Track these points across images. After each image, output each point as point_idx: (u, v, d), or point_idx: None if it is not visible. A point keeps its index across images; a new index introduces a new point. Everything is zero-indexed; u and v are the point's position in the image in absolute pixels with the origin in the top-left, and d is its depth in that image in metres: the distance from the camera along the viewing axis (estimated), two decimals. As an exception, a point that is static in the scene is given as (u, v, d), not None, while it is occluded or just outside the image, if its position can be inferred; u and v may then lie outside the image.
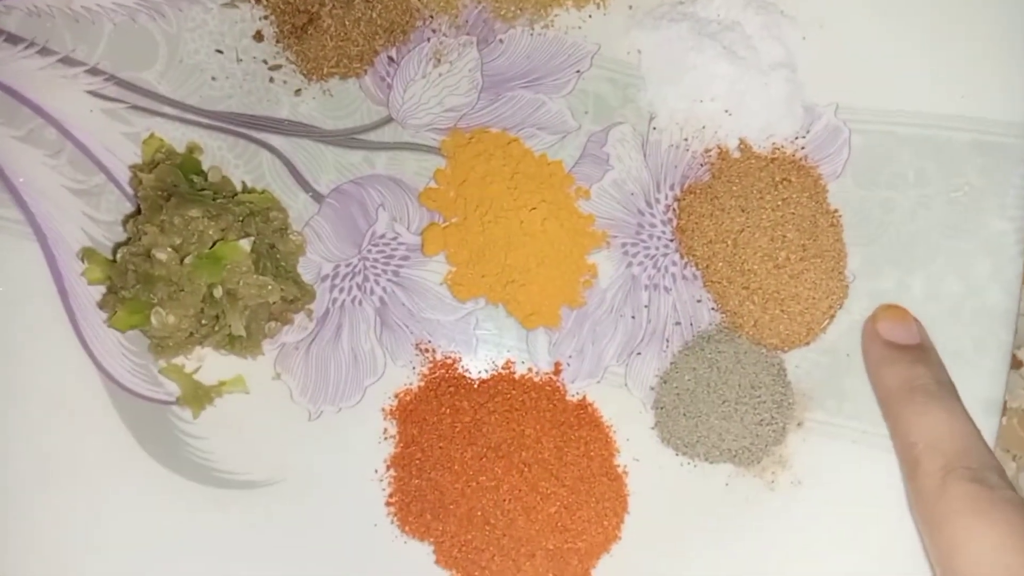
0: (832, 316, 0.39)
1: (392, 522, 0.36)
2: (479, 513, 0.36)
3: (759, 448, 0.38)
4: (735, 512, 0.37)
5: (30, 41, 0.35)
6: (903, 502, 0.37)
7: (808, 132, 0.41)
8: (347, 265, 0.38)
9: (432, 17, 0.40)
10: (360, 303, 0.38)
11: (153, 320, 0.33)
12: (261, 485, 0.36)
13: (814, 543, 0.37)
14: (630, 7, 0.41)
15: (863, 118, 0.41)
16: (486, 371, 0.38)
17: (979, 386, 0.37)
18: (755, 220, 0.39)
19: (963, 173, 0.40)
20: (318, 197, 0.38)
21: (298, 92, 0.39)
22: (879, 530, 0.37)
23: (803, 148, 0.41)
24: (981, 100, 0.40)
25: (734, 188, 0.40)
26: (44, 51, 0.36)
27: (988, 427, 0.37)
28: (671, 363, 0.39)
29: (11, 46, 0.35)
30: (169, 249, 0.33)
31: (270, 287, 0.34)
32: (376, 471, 0.37)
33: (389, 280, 0.38)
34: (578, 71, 0.41)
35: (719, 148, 0.41)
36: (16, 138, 0.35)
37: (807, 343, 0.39)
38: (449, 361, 0.38)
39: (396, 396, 0.37)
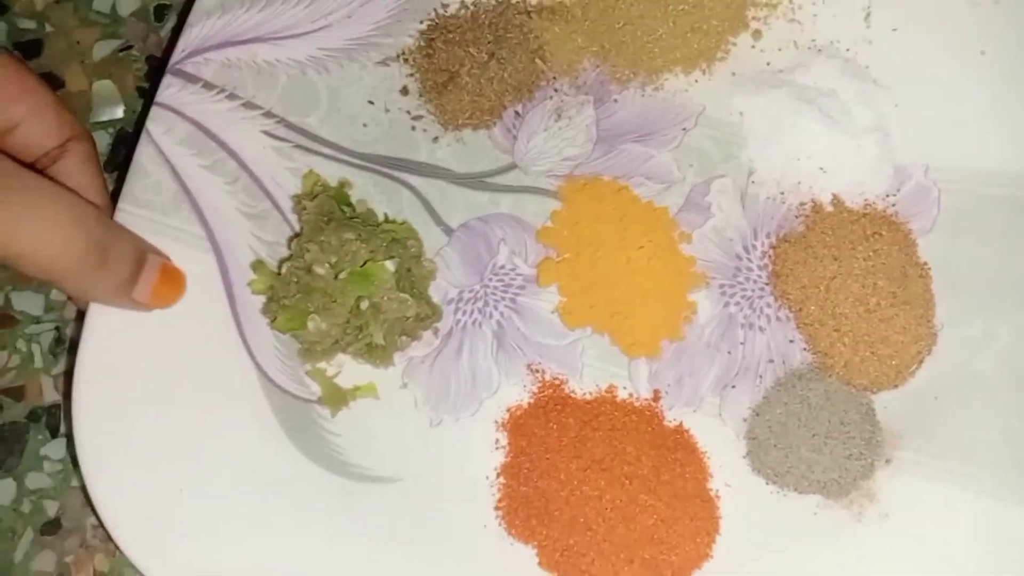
0: (921, 361, 0.37)
1: (500, 524, 0.35)
2: (581, 520, 0.34)
3: (847, 481, 0.35)
4: (822, 541, 0.35)
5: (220, 87, 0.36)
6: (987, 541, 0.34)
7: (899, 191, 0.39)
8: (470, 291, 0.38)
9: (555, 78, 0.40)
10: (480, 325, 0.37)
11: (310, 325, 0.33)
12: (385, 481, 0.35)
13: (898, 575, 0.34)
14: (733, 73, 0.40)
15: (952, 178, 0.38)
16: (591, 393, 0.36)
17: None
18: (847, 268, 0.37)
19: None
20: (448, 231, 0.38)
21: (436, 139, 0.39)
22: (961, 567, 0.34)
23: (894, 205, 0.38)
24: None
25: (827, 239, 0.37)
26: (231, 96, 0.37)
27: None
28: (764, 397, 0.37)
29: (206, 91, 0.36)
30: (327, 265, 0.34)
31: (409, 303, 0.34)
32: (487, 477, 0.36)
33: (507, 306, 0.38)
34: (684, 128, 0.40)
35: (813, 202, 0.39)
36: (203, 167, 0.36)
37: (896, 386, 0.37)
38: (557, 382, 0.37)
39: (508, 410, 0.36)
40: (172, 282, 0.34)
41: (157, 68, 0.42)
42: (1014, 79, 0.39)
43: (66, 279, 0.30)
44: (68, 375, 0.38)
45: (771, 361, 0.38)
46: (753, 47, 0.41)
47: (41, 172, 0.33)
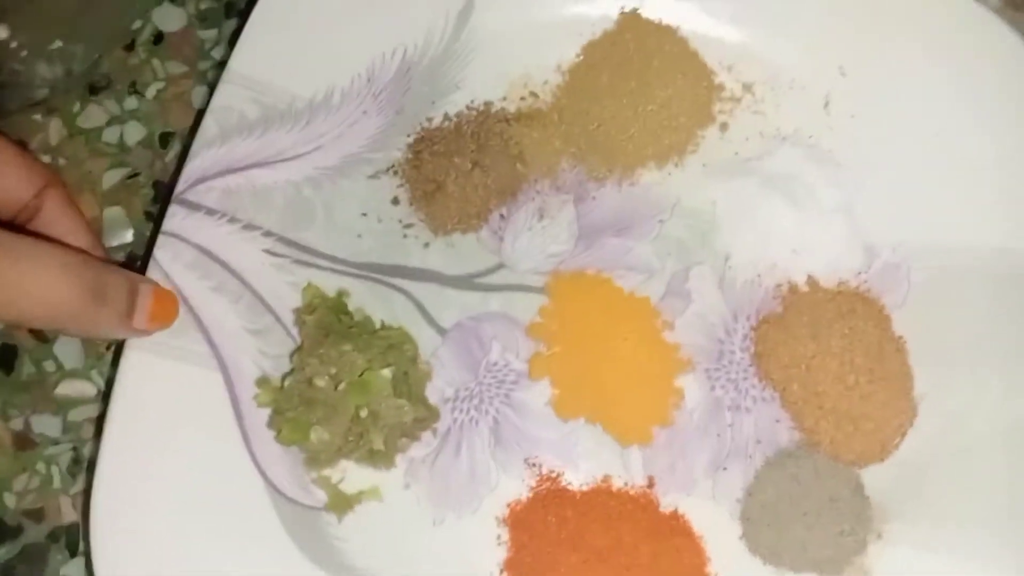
0: (904, 434, 0.37)
1: (506, 619, 0.34)
2: (584, 614, 0.33)
3: (841, 558, 0.35)
4: (821, 620, 0.34)
5: (222, 212, 0.38)
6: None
7: (870, 268, 0.40)
8: (466, 389, 0.38)
9: (536, 180, 0.42)
10: (477, 423, 0.38)
11: (312, 436, 0.35)
12: None
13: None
14: (704, 164, 0.42)
15: (920, 254, 0.40)
16: (587, 484, 0.37)
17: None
18: (825, 347, 0.37)
19: (1020, 300, 0.38)
20: (442, 331, 0.39)
21: (427, 245, 0.41)
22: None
23: (866, 282, 0.40)
24: None
25: (804, 319, 0.38)
26: (232, 219, 0.38)
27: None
28: (755, 477, 0.37)
29: (209, 216, 0.38)
30: (327, 377, 0.35)
31: (406, 408, 0.35)
32: (491, 573, 0.36)
33: (502, 402, 0.38)
34: (661, 220, 0.41)
35: (789, 283, 0.40)
36: (208, 288, 0.37)
37: (882, 460, 0.37)
38: (554, 475, 0.37)
39: (508, 506, 0.37)
40: (166, 304, 0.35)
41: (164, 193, 0.44)
42: (967, 158, 0.40)
43: (70, 325, 0.31)
44: (86, 493, 0.39)
45: (759, 441, 0.39)
46: (721, 138, 0.43)
47: (24, 226, 0.35)
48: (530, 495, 0.37)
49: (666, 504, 0.37)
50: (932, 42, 0.41)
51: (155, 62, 0.46)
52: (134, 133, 0.45)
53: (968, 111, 0.41)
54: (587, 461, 0.38)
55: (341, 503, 0.36)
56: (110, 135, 0.45)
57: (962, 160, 0.41)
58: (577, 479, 0.38)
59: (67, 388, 0.41)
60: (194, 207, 0.39)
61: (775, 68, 0.43)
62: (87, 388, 0.41)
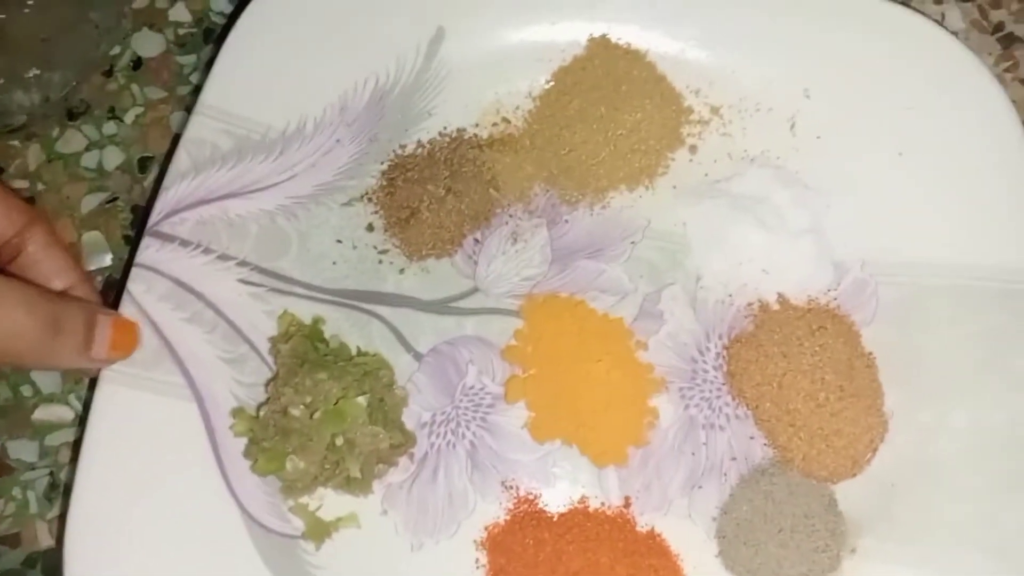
0: (875, 449, 0.37)
1: (485, 644, 0.34)
2: (562, 636, 0.33)
3: (816, 574, 0.36)
4: (798, 636, 0.34)
5: (196, 243, 0.38)
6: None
7: (839, 286, 0.40)
8: (442, 413, 0.38)
9: (509, 205, 0.42)
10: (454, 446, 0.38)
11: (288, 466, 0.34)
12: None
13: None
14: (674, 187, 0.42)
15: (888, 271, 0.40)
16: (564, 505, 0.37)
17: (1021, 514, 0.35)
18: (796, 365, 0.38)
19: (991, 318, 0.38)
20: (418, 356, 0.39)
21: (402, 271, 0.41)
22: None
23: (836, 299, 0.40)
24: (1002, 250, 0.39)
25: (776, 336, 0.39)
26: (206, 250, 0.38)
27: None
28: (730, 495, 0.37)
29: (183, 248, 0.38)
30: (302, 406, 0.35)
31: (381, 435, 0.35)
32: None
33: (478, 425, 0.38)
34: (632, 242, 0.41)
35: (760, 302, 0.40)
36: (183, 319, 0.37)
37: (854, 475, 0.37)
38: (531, 497, 0.37)
39: (486, 529, 0.37)
40: (126, 333, 0.35)
41: (140, 219, 0.44)
42: (931, 177, 0.41)
43: (28, 357, 0.31)
44: (63, 518, 0.39)
45: (734, 459, 0.39)
46: (691, 161, 0.43)
47: (5, 265, 0.34)
48: (507, 518, 0.37)
49: (643, 524, 0.37)
50: (894, 64, 0.42)
51: (134, 87, 0.47)
52: (113, 158, 0.46)
53: (931, 131, 0.41)
54: (563, 482, 0.38)
55: (319, 530, 0.36)
56: (89, 160, 0.46)
57: (926, 179, 0.41)
58: (554, 500, 0.38)
59: (44, 413, 0.41)
60: (168, 239, 0.39)
61: (742, 91, 0.44)
62: (64, 413, 0.41)
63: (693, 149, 0.44)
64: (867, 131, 0.42)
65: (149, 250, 0.38)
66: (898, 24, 0.42)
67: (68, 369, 0.35)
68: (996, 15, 0.48)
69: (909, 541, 0.36)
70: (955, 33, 0.46)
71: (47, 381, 0.41)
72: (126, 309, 0.37)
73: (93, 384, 0.38)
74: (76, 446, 0.40)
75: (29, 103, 0.44)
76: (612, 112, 0.43)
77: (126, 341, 0.35)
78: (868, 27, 0.42)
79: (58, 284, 0.35)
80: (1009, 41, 0.48)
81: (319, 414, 0.35)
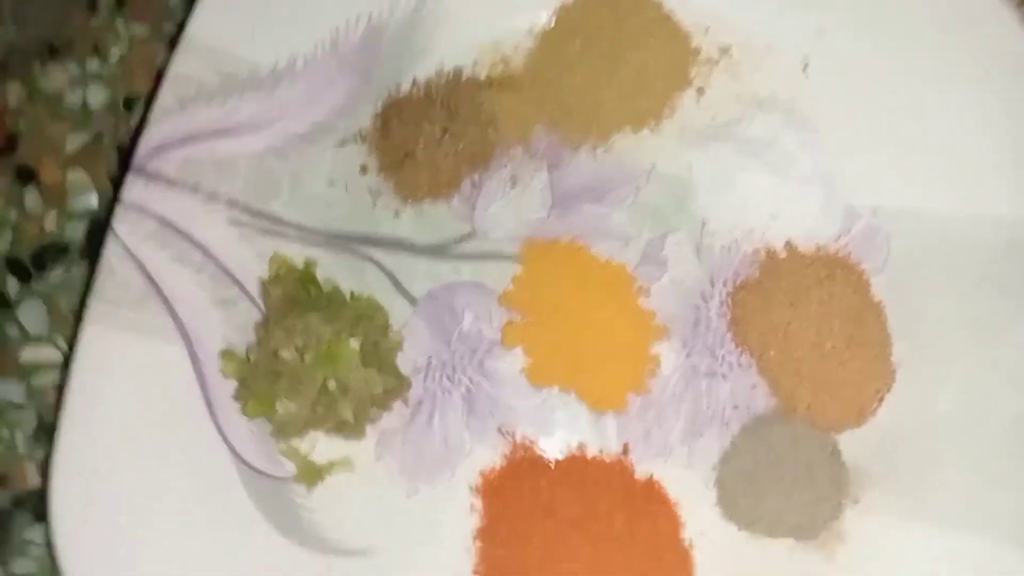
0: (881, 399, 0.36)
1: (479, 589, 0.34)
2: (558, 582, 0.33)
3: (817, 524, 0.35)
4: (798, 584, 0.34)
5: (183, 182, 0.37)
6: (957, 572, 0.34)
7: (849, 232, 0.39)
8: (438, 359, 0.37)
9: (509, 147, 0.40)
10: (449, 392, 0.37)
11: (278, 408, 0.34)
12: (365, 554, 0.35)
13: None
14: (680, 130, 0.40)
15: (900, 219, 0.38)
16: (561, 452, 0.36)
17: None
18: (803, 313, 0.37)
19: (997, 269, 0.37)
20: (413, 301, 0.38)
21: (397, 214, 0.39)
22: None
23: (846, 246, 0.39)
24: (1012, 200, 0.38)
25: (782, 284, 0.37)
26: (194, 190, 0.37)
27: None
28: (731, 444, 0.37)
29: (169, 187, 0.36)
30: (293, 349, 0.34)
31: (375, 379, 0.34)
32: (464, 542, 0.35)
33: (475, 371, 0.37)
34: (636, 186, 0.40)
35: (767, 248, 0.39)
36: (170, 259, 0.36)
37: (858, 425, 0.36)
38: (528, 443, 0.36)
39: (482, 475, 0.36)
40: None
41: (126, 155, 0.43)
42: (948, 125, 0.39)
43: None
44: (47, 462, 0.38)
45: (736, 407, 0.38)
46: (698, 103, 0.41)
47: None
48: (503, 464, 0.37)
49: (641, 471, 0.37)
50: (912, 6, 0.40)
51: (118, 23, 0.45)
52: (97, 96, 0.44)
53: (950, 77, 0.39)
54: (561, 429, 0.37)
55: (310, 474, 0.35)
56: (72, 98, 0.44)
57: (944, 125, 0.39)
58: (551, 447, 0.37)
59: (31, 353, 0.40)
60: (153, 177, 0.37)
61: (752, 30, 0.42)
62: (52, 354, 0.40)
63: (700, 91, 0.42)
64: (883, 75, 0.40)
65: (134, 188, 0.37)
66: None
67: None
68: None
69: (911, 495, 0.36)
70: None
71: (34, 322, 0.40)
72: (111, 249, 0.36)
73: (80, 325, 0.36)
74: (62, 388, 0.39)
75: (7, 36, 0.42)
76: (616, 51, 0.41)
77: None
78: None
79: None
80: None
81: (310, 356, 0.34)
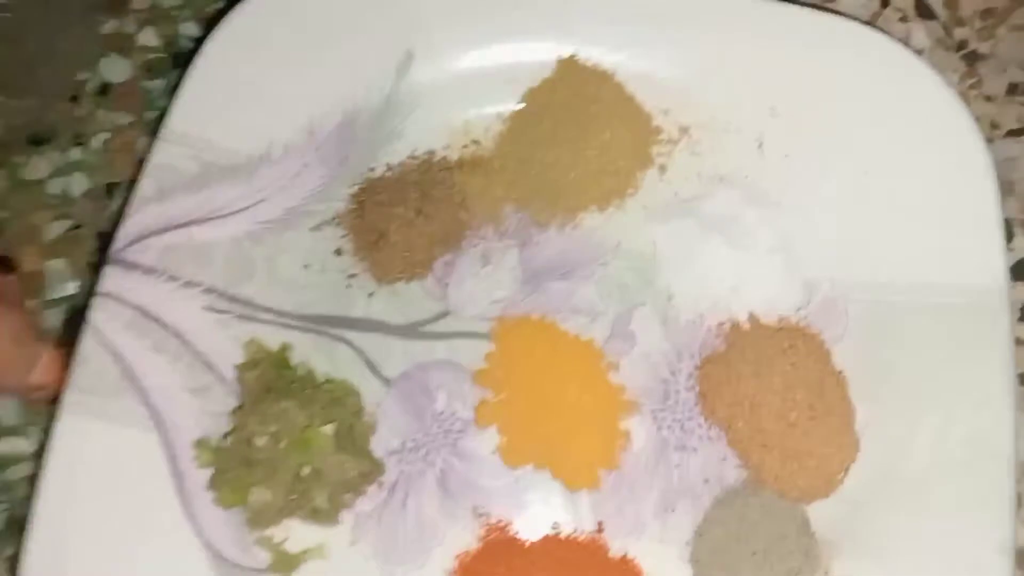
0: (847, 469, 0.37)
1: (458, 676, 0.33)
2: (536, 667, 0.32)
3: (791, 596, 0.34)
4: (775, 660, 0.35)
5: (161, 270, 0.37)
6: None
7: (809, 303, 0.40)
8: (412, 440, 0.37)
9: (480, 227, 0.41)
10: (424, 474, 0.37)
11: (252, 497, 0.33)
12: None
13: None
14: (644, 207, 0.42)
15: (857, 289, 0.39)
16: (537, 531, 0.36)
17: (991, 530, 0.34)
18: (767, 384, 0.37)
19: (957, 334, 0.38)
20: (387, 382, 0.38)
21: (371, 294, 0.40)
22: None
23: (806, 317, 0.39)
24: (967, 268, 0.39)
25: (747, 356, 0.38)
26: (171, 277, 0.37)
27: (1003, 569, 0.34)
28: (704, 517, 0.37)
29: (146, 275, 0.37)
30: (267, 436, 0.34)
31: (348, 464, 0.34)
32: None
33: (449, 452, 0.37)
34: (603, 263, 0.41)
35: (731, 321, 0.40)
36: (147, 348, 0.36)
37: (827, 495, 0.37)
38: (503, 524, 0.36)
39: (457, 558, 0.36)
40: (57, 359, 0.36)
41: (107, 244, 0.43)
42: (897, 195, 0.41)
43: None
44: (16, 558, 0.37)
45: (707, 481, 0.38)
46: (660, 180, 0.43)
47: None
48: (479, 546, 0.36)
49: (616, 549, 0.36)
50: (859, 83, 0.42)
51: (100, 113, 0.46)
52: (79, 184, 0.45)
53: (897, 150, 0.41)
54: (536, 508, 0.37)
55: (285, 564, 0.35)
56: (54, 187, 0.45)
57: (892, 198, 0.41)
58: (527, 527, 0.37)
59: (4, 446, 0.40)
60: (131, 266, 0.38)
61: (710, 111, 0.43)
62: (24, 446, 0.40)
63: (663, 168, 0.43)
64: (833, 150, 0.42)
65: (112, 278, 0.37)
66: (862, 44, 0.42)
67: (8, 388, 0.34)
68: (960, 32, 0.48)
69: (880, 559, 0.36)
70: (920, 51, 0.46)
71: (7, 413, 0.40)
72: (89, 339, 0.36)
73: (53, 417, 0.36)
74: (34, 480, 0.38)
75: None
76: (581, 133, 0.42)
77: (60, 369, 0.36)
78: (833, 47, 0.42)
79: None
80: (973, 59, 0.48)
81: (284, 443, 0.34)
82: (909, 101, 0.41)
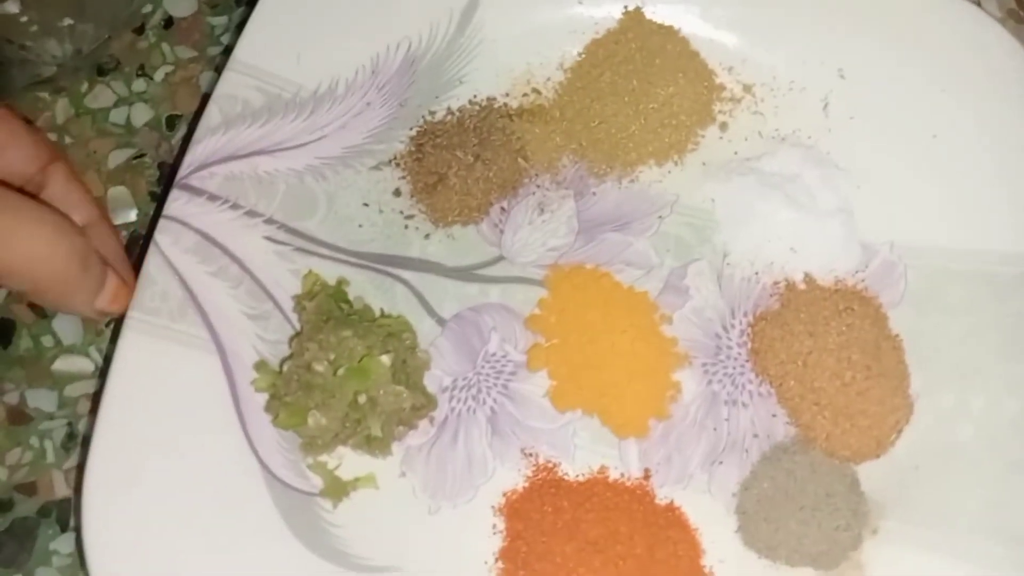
0: (899, 431, 0.36)
1: (499, 609, 0.33)
2: (578, 604, 0.32)
3: (837, 553, 0.35)
4: (815, 614, 0.33)
5: (224, 198, 0.37)
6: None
7: (867, 267, 0.39)
8: (464, 379, 0.38)
9: (537, 175, 0.41)
10: (474, 412, 0.37)
11: (310, 421, 0.34)
12: (387, 570, 0.34)
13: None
14: (703, 163, 0.41)
15: (916, 254, 0.39)
16: (583, 475, 0.36)
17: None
18: (822, 343, 0.37)
19: (1011, 302, 0.38)
20: (441, 321, 0.38)
21: (427, 236, 0.40)
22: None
23: (863, 280, 0.39)
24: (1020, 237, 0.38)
25: (802, 315, 0.38)
26: (234, 206, 0.37)
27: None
28: (751, 472, 0.36)
29: (211, 202, 0.37)
30: (326, 362, 0.34)
31: (404, 395, 0.34)
32: (486, 562, 0.35)
33: (499, 393, 0.38)
34: (660, 216, 0.40)
35: (787, 280, 0.39)
36: (208, 273, 0.36)
37: (877, 456, 0.36)
38: (550, 465, 0.36)
39: (504, 495, 0.36)
40: (124, 288, 0.35)
41: (168, 174, 0.44)
42: (964, 161, 0.40)
43: (51, 288, 0.31)
44: (79, 469, 0.38)
45: (756, 436, 0.38)
46: (721, 138, 0.42)
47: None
48: (526, 485, 0.36)
49: (662, 496, 0.36)
50: (931, 46, 0.41)
51: (164, 46, 0.46)
52: (141, 115, 0.45)
53: (967, 114, 0.40)
54: (584, 452, 0.37)
55: (336, 489, 0.35)
56: (117, 116, 0.45)
57: (959, 163, 0.40)
58: (573, 470, 0.37)
59: (64, 363, 0.40)
60: (196, 192, 0.38)
61: (774, 70, 0.43)
62: (85, 364, 0.40)
63: (724, 126, 0.43)
64: (901, 113, 0.41)
65: (177, 202, 0.37)
66: (936, 5, 0.41)
67: (74, 311, 0.35)
68: (1031, 5, 0.47)
69: (928, 525, 0.35)
70: (992, 20, 0.45)
71: (68, 332, 0.41)
72: (152, 260, 0.36)
73: (114, 337, 0.37)
74: (95, 398, 0.39)
75: (61, 54, 0.43)
76: (644, 86, 0.42)
77: (125, 294, 0.35)
78: (904, 7, 0.41)
79: (78, 220, 0.34)
80: (1045, 32, 0.46)
81: (343, 371, 0.34)
82: (981, 65, 0.40)
